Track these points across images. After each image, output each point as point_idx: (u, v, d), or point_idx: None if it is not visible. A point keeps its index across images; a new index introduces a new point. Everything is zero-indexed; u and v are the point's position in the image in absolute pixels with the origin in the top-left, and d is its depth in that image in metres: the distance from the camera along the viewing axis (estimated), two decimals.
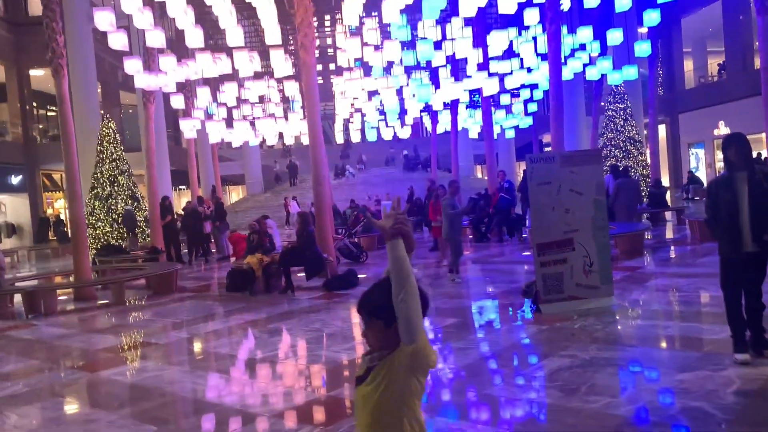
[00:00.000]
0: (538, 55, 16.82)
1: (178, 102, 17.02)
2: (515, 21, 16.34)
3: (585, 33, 16.06)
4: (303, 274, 10.87)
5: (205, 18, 18.02)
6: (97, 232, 19.91)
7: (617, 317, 6.83)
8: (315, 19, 13.51)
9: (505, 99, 21.96)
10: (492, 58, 16.80)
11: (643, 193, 20.11)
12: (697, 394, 4.26)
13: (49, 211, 32.61)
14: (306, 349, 6.64)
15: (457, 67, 19.78)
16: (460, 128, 24.24)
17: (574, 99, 26.22)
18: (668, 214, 18.26)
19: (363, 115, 24.32)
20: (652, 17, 15.18)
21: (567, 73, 16.41)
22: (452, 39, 14.85)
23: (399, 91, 20.01)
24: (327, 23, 29.73)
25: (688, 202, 24.31)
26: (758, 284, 4.87)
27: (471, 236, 16.39)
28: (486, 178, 27.01)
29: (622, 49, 19.12)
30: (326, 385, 5.43)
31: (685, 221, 15.29)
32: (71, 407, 5.28)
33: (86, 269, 11.49)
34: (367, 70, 19.43)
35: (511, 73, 17.65)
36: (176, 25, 12.33)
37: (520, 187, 18.81)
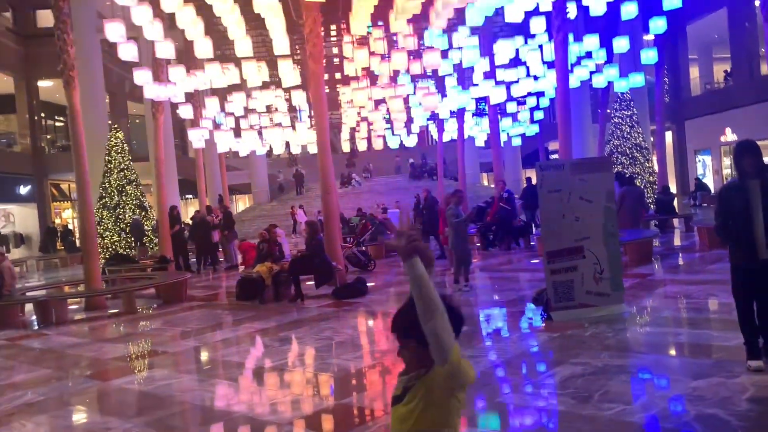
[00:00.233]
0: (544, 63, 16.87)
1: (186, 112, 17.13)
2: (521, 29, 16.42)
3: (591, 41, 16.10)
4: (312, 282, 10.91)
5: (212, 28, 18.16)
6: (105, 241, 20.02)
7: (628, 324, 6.83)
8: (322, 29, 13.60)
9: (511, 107, 21.99)
10: (499, 67, 16.86)
11: (650, 200, 20.11)
12: (711, 401, 4.26)
13: (57, 221, 32.80)
14: (317, 357, 6.66)
15: (464, 76, 19.84)
16: (466, 136, 24.27)
17: (581, 106, 26.30)
18: (676, 221, 18.22)
19: (369, 124, 24.37)
20: (658, 25, 15.20)
21: (573, 81, 16.44)
22: (459, 48, 14.91)
23: (405, 100, 20.06)
24: (333, 32, 29.93)
25: (695, 208, 24.25)
26: None
27: (478, 244, 16.39)
28: (492, 185, 27.04)
29: (628, 56, 19.16)
30: (338, 393, 5.44)
31: (694, 228, 15.27)
32: (86, 415, 5.31)
33: (97, 278, 11.56)
34: (373, 79, 19.52)
35: (517, 81, 17.69)
36: (185, 36, 12.44)
37: (522, 194, 18.84)
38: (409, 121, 23.93)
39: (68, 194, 34.35)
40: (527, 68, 17.47)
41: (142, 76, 13.09)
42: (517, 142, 26.45)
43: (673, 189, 24.60)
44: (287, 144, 26.78)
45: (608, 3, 12.65)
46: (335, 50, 30.36)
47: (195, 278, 15.13)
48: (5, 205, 30.08)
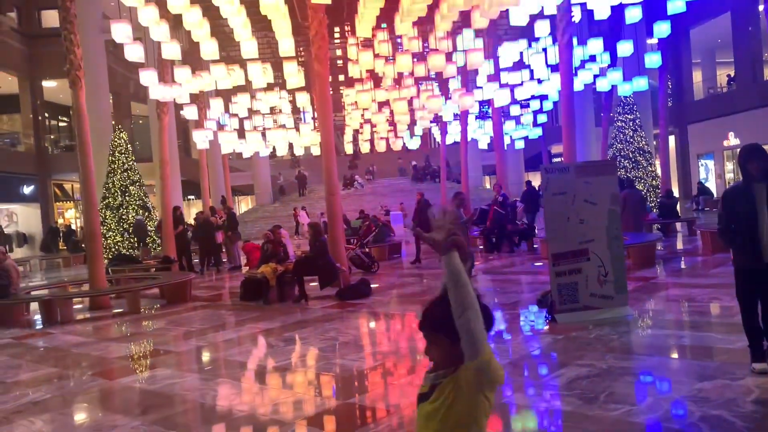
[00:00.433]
0: (548, 66, 16.92)
1: (191, 113, 17.19)
2: (526, 32, 16.47)
3: (595, 44, 16.15)
4: (316, 283, 10.95)
5: (217, 29, 18.24)
6: (108, 241, 20.09)
7: (632, 327, 6.85)
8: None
9: (515, 110, 22.05)
10: (503, 69, 16.91)
11: (653, 204, 20.14)
12: (717, 402, 4.28)
13: (60, 220, 32.87)
14: (322, 357, 6.69)
15: (468, 78, 19.90)
16: (469, 139, 24.32)
17: (584, 110, 26.34)
18: (679, 225, 18.24)
19: (373, 126, 24.46)
20: (662, 29, 15.25)
21: (577, 85, 16.48)
22: (464, 50, 14.96)
23: (409, 102, 20.14)
24: (336, 34, 29.99)
25: (698, 213, 24.26)
26: None
27: (481, 246, 16.42)
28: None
29: (631, 60, 19.19)
30: (344, 394, 5.47)
31: (697, 232, 15.28)
32: (92, 413, 5.34)
33: (101, 278, 11.60)
34: (377, 81, 19.59)
35: (521, 84, 17.74)
36: (190, 37, 12.51)
37: (522, 197, 18.88)
38: (413, 123, 23.99)
39: (71, 194, 34.43)
40: (531, 71, 17.53)
41: (147, 77, 13.15)
42: (520, 145, 26.51)
43: (676, 193, 24.62)
44: (290, 145, 26.84)
45: (612, 7, 12.70)
46: (339, 52, 30.44)
47: (198, 279, 15.17)
48: (8, 204, 30.16)
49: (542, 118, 23.67)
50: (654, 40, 20.09)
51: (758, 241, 4.71)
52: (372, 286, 10.82)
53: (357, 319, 8.83)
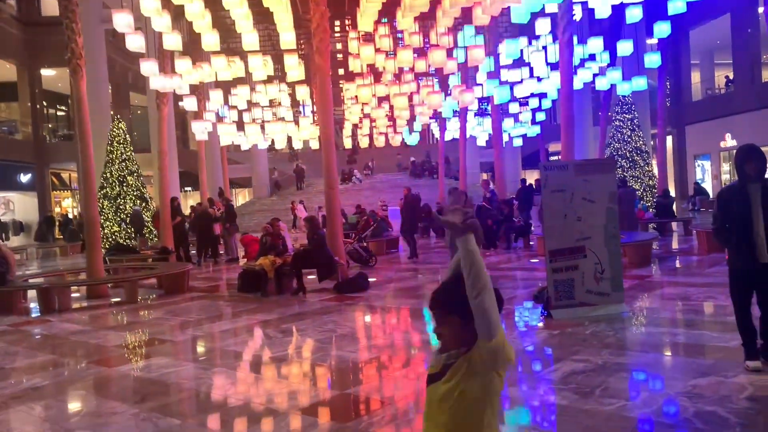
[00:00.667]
0: (548, 64, 16.96)
1: (190, 104, 17.18)
2: (526, 30, 16.50)
3: (595, 43, 16.19)
4: (314, 276, 11.00)
5: (218, 21, 18.22)
6: (105, 231, 20.07)
7: (628, 324, 6.92)
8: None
9: (513, 107, 22.09)
10: (503, 67, 16.95)
11: (649, 204, 20.23)
12: (711, 399, 4.35)
13: (57, 209, 32.84)
14: (320, 349, 6.74)
15: (468, 75, 19.93)
16: (468, 136, 24.35)
17: (583, 109, 26.39)
18: (675, 225, 18.33)
19: (372, 121, 24.46)
20: (662, 29, 15.29)
21: (577, 83, 16.53)
22: (464, 47, 14.99)
23: (409, 98, 20.15)
24: (337, 28, 29.98)
25: (694, 213, 24.37)
26: None
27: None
28: (493, 186, 27.01)
29: (631, 59, 19.25)
30: (342, 384, 5.52)
31: (692, 232, 15.37)
32: (94, 400, 5.38)
33: (99, 267, 11.62)
34: (377, 75, 19.60)
35: (521, 81, 17.78)
36: (192, 28, 12.51)
37: (516, 195, 18.97)
38: (412, 119, 24.02)
39: (68, 183, 34.39)
40: (531, 69, 17.57)
41: (148, 67, 13.14)
42: (518, 142, 26.55)
43: (673, 193, 24.73)
44: (289, 139, 26.84)
45: (613, 6, 12.74)
46: (339, 46, 30.41)
47: (196, 270, 15.19)
48: (5, 192, 30.12)
49: (541, 116, 23.72)
50: (654, 40, 20.15)
51: (753, 241, 4.76)
52: (370, 280, 10.88)
53: (355, 312, 8.89)
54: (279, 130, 22.59)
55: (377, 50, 15.70)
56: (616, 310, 7.31)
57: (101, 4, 24.32)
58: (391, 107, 20.71)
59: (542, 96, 21.38)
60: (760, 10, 26.15)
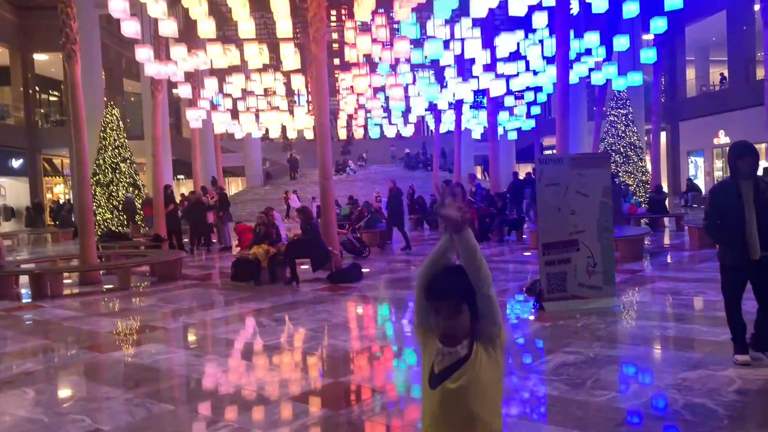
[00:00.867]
0: (544, 58, 16.96)
1: (185, 91, 17.09)
2: (523, 23, 16.48)
3: (592, 38, 16.20)
4: (307, 266, 11.01)
5: (214, 8, 18.11)
6: (98, 218, 20.01)
7: (619, 317, 6.99)
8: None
9: (509, 101, 22.10)
10: (499, 60, 16.94)
11: (641, 199, 20.33)
12: (700, 391, 4.41)
13: (48, 195, 32.65)
14: (313, 338, 6.77)
15: (464, 67, 19.91)
16: (463, 128, 24.36)
17: (578, 103, 26.41)
18: (667, 220, 18.44)
19: (367, 112, 24.41)
20: (658, 25, 15.32)
21: (572, 77, 16.56)
22: (461, 39, 14.97)
23: (404, 89, 20.12)
24: (333, 17, 29.81)
25: (686, 209, 24.51)
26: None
27: None
28: (486, 178, 27.12)
29: (627, 55, 19.28)
30: (335, 373, 5.55)
31: (684, 227, 15.48)
32: (87, 385, 5.39)
33: (92, 254, 11.58)
34: (373, 66, 19.54)
35: (517, 75, 17.78)
36: (188, 15, 12.43)
37: (508, 188, 19.04)
38: (407, 110, 23.99)
39: (60, 169, 34.17)
40: (527, 62, 17.57)
41: (143, 54, 13.05)
42: (513, 136, 26.57)
43: (665, 189, 24.85)
44: (283, 128, 26.76)
45: (610, 1, 12.75)
46: (335, 35, 30.27)
47: (188, 258, 15.17)
48: None
49: (536, 110, 23.74)
50: (650, 36, 20.19)
51: (745, 239, 4.77)
52: (363, 270, 10.91)
53: (348, 302, 8.91)
54: (273, 119, 22.52)
55: (374, 40, 15.64)
56: (607, 304, 7.37)
57: None
58: (387, 98, 20.66)
59: (538, 90, 21.40)
60: (757, 7, 26.20)
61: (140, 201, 20.59)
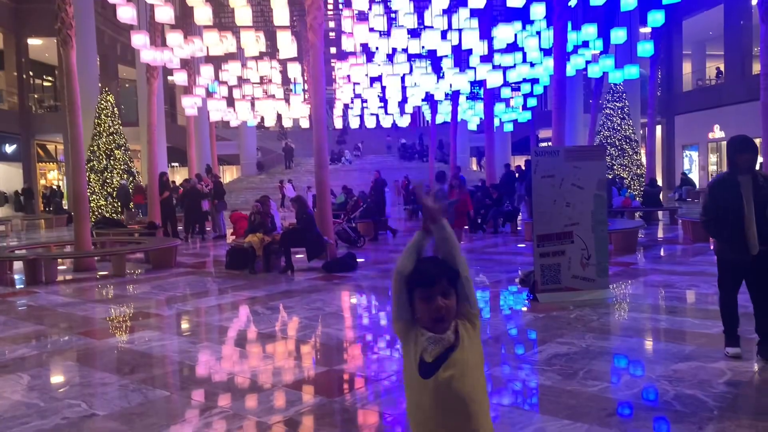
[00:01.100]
0: (541, 50, 16.95)
1: (181, 78, 17.01)
2: (520, 14, 16.46)
3: (589, 30, 16.19)
4: (302, 255, 11.03)
5: None
6: (92, 205, 19.93)
7: (612, 309, 7.04)
8: None
9: (505, 92, 22.10)
10: (496, 51, 16.92)
11: (637, 193, 20.41)
12: (691, 382, 4.46)
13: (42, 181, 32.50)
14: (308, 326, 6.80)
15: (461, 58, 19.89)
16: (459, 119, 24.35)
17: (574, 96, 26.42)
18: (661, 214, 18.52)
19: (364, 101, 24.35)
20: (656, 18, 15.32)
21: (569, 70, 16.55)
22: (459, 29, 14.94)
23: (401, 79, 20.09)
24: (330, 6, 29.68)
25: (680, 203, 24.60)
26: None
27: (467, 227, 16.56)
28: (481, 169, 27.14)
29: (624, 48, 19.30)
30: (328, 361, 5.58)
31: (678, 221, 15.55)
32: (82, 371, 5.40)
33: (87, 240, 11.57)
34: (369, 56, 19.49)
35: (514, 66, 17.77)
36: (184, 1, 12.35)
37: (500, 180, 19.07)
38: (404, 101, 23.96)
39: (54, 155, 34.00)
40: (524, 54, 17.56)
41: (138, 40, 12.98)
42: (509, 127, 26.57)
43: (660, 182, 24.94)
44: (279, 117, 26.68)
45: None
46: (332, 24, 30.14)
47: (183, 246, 15.16)
48: None
49: (532, 102, 23.76)
50: (647, 29, 20.19)
51: (744, 234, 4.73)
52: (358, 260, 10.93)
53: (342, 291, 8.95)
54: (269, 107, 22.45)
55: (371, 30, 15.60)
56: (601, 296, 7.42)
57: None
58: (384, 88, 20.62)
59: (534, 81, 21.40)
60: (754, 2, 26.21)
61: (131, 185, 20.53)
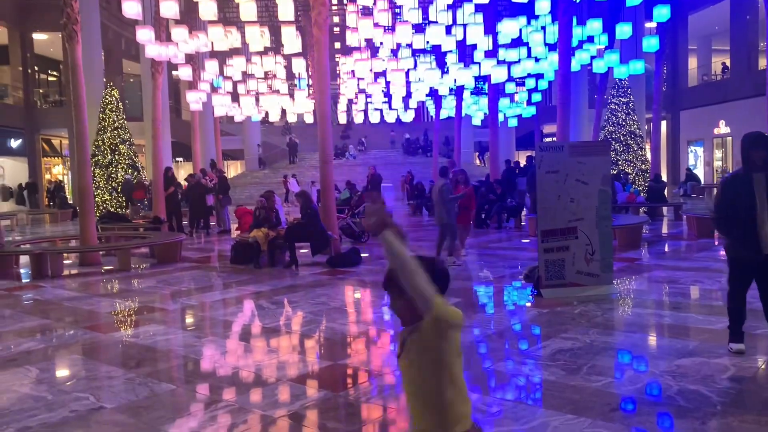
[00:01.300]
0: (546, 45, 16.91)
1: (185, 73, 17.03)
2: (525, 9, 16.42)
3: (594, 25, 16.15)
4: (306, 250, 11.06)
5: None
6: (96, 199, 20.01)
7: (616, 305, 7.05)
8: None
9: (510, 87, 22.05)
10: (501, 46, 16.88)
11: (641, 188, 20.37)
12: (694, 378, 4.47)
13: (47, 176, 32.60)
14: (313, 321, 6.83)
15: (465, 53, 19.85)
16: (463, 114, 24.32)
17: (579, 91, 26.35)
18: (666, 209, 18.50)
19: (368, 96, 24.34)
20: (661, 13, 15.27)
21: (574, 65, 16.52)
22: (463, 24, 14.91)
23: (405, 74, 20.06)
24: (335, 0, 29.63)
25: (685, 198, 24.54)
26: None
27: (471, 222, 16.56)
28: (484, 164, 27.11)
29: (629, 43, 19.21)
30: (333, 355, 5.61)
31: (683, 217, 15.53)
32: (89, 364, 5.44)
33: (92, 234, 11.62)
34: (374, 51, 19.46)
35: (518, 61, 17.73)
36: None
37: (501, 176, 19.04)
38: (408, 96, 23.93)
39: (59, 150, 34.09)
40: (529, 49, 17.51)
41: (144, 35, 12.99)
42: (513, 123, 26.52)
43: (665, 178, 24.88)
44: (283, 112, 26.68)
45: None
46: (336, 19, 30.10)
47: (187, 240, 15.21)
48: None
49: (537, 97, 23.70)
50: (653, 24, 20.10)
51: (757, 232, 4.66)
52: (362, 255, 10.96)
53: (346, 286, 8.98)
54: (273, 102, 22.46)
55: (375, 25, 15.58)
56: (605, 291, 7.43)
57: None
58: (388, 83, 20.60)
59: (539, 76, 21.35)
60: None
61: (135, 178, 20.61)
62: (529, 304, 7.31)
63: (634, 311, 6.83)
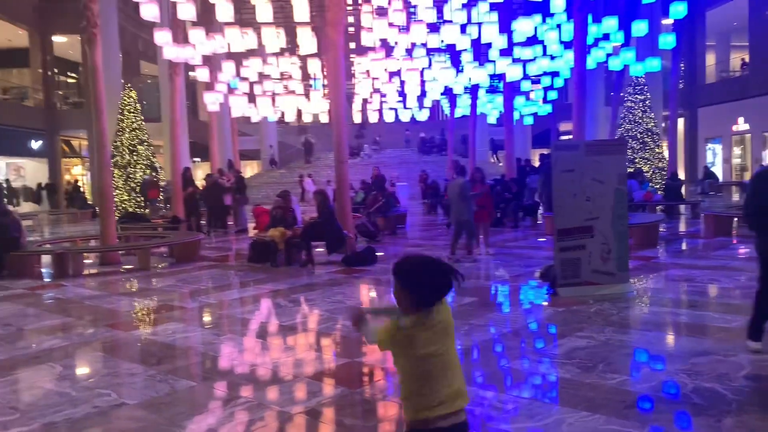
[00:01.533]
0: (561, 42, 16.85)
1: (203, 75, 17.19)
2: (540, 7, 16.37)
3: (610, 23, 16.06)
4: (322, 249, 11.14)
5: None
6: (115, 200, 20.27)
7: (632, 303, 7.04)
8: None
9: (525, 85, 21.98)
10: (516, 44, 16.85)
11: (658, 186, 20.23)
12: (710, 376, 4.47)
13: (67, 177, 33.06)
14: (329, 319, 6.90)
15: (480, 52, 19.82)
16: (478, 113, 24.28)
17: (595, 89, 26.21)
18: (683, 207, 18.35)
19: (383, 96, 24.38)
20: (678, 9, 15.14)
21: (590, 63, 16.44)
22: (478, 23, 14.91)
23: (420, 73, 20.08)
24: (350, 0, 29.69)
25: (702, 196, 24.31)
26: None
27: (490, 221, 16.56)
28: (501, 163, 27.03)
29: (645, 40, 19.09)
30: (350, 353, 5.67)
31: (700, 215, 15.40)
32: (110, 361, 5.56)
33: (112, 234, 11.80)
34: (389, 50, 19.50)
35: (534, 59, 17.68)
36: None
37: (517, 174, 19.03)
38: (422, 95, 23.94)
39: (78, 151, 34.55)
40: (544, 47, 17.46)
41: (161, 37, 13.15)
42: (528, 121, 26.43)
43: (682, 176, 24.66)
44: (299, 112, 26.82)
45: None
46: (351, 19, 30.17)
47: (205, 240, 15.37)
48: (16, 158, 30.33)
49: (552, 95, 23.60)
50: (669, 21, 19.94)
51: None
52: (377, 254, 11.02)
53: (363, 284, 9.04)
54: (290, 103, 22.58)
55: (390, 24, 15.62)
56: (621, 290, 7.41)
57: None
58: (402, 82, 20.63)
59: (555, 75, 21.26)
60: None
61: (149, 174, 20.87)
62: (545, 303, 7.32)
63: (650, 310, 6.81)
